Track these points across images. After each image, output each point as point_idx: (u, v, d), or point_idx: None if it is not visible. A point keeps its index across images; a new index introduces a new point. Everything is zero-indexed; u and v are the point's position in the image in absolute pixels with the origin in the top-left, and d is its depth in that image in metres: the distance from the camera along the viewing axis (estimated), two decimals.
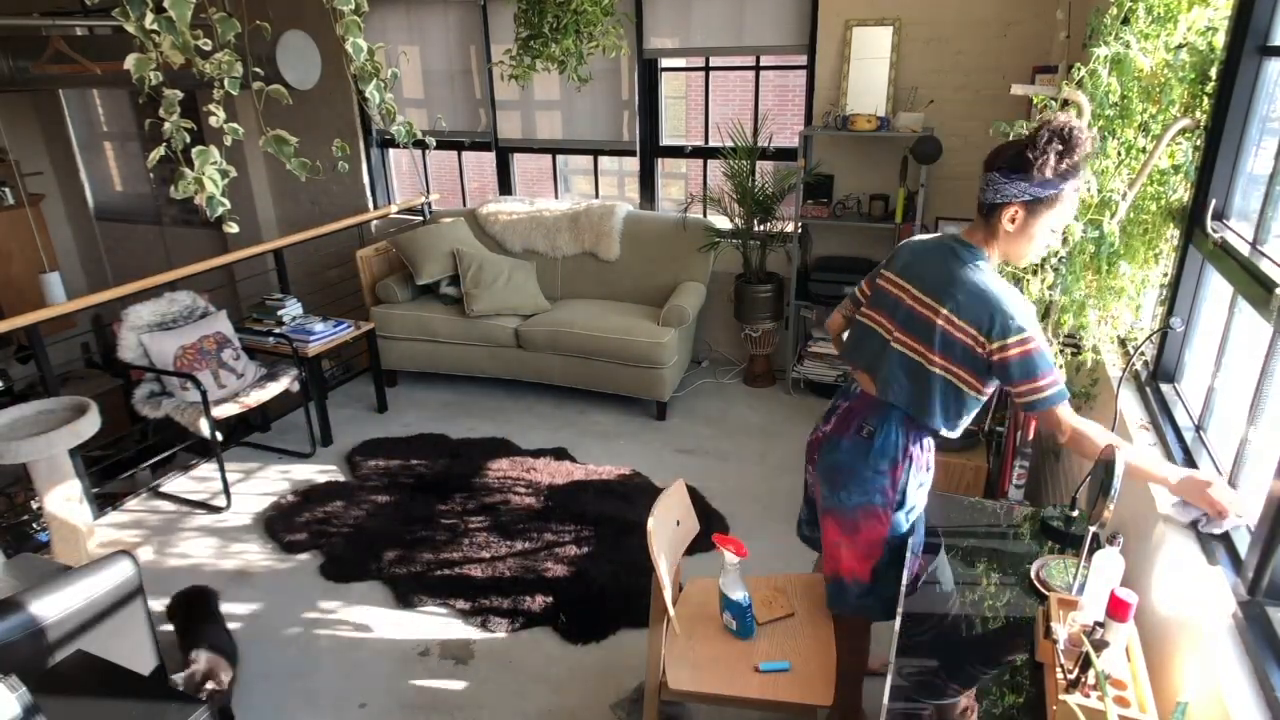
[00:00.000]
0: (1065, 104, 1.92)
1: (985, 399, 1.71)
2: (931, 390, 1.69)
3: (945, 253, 1.70)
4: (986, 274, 1.63)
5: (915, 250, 1.78)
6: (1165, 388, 2.02)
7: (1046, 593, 1.58)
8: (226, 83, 1.71)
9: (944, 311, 1.63)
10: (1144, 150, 1.95)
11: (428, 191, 5.17)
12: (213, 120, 1.72)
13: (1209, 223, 1.78)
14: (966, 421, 1.75)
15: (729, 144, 4.15)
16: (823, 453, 1.86)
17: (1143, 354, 2.12)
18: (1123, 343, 2.28)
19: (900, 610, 1.55)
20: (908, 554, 1.75)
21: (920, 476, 1.81)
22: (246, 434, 4.05)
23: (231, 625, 2.69)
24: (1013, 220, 1.61)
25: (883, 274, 1.83)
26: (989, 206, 1.63)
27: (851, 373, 1.89)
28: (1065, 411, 1.59)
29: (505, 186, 5.15)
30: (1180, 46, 1.86)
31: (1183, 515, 1.49)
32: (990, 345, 1.59)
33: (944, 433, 1.74)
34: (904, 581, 1.65)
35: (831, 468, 1.82)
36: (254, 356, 3.76)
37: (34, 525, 3.73)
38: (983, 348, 1.60)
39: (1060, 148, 1.53)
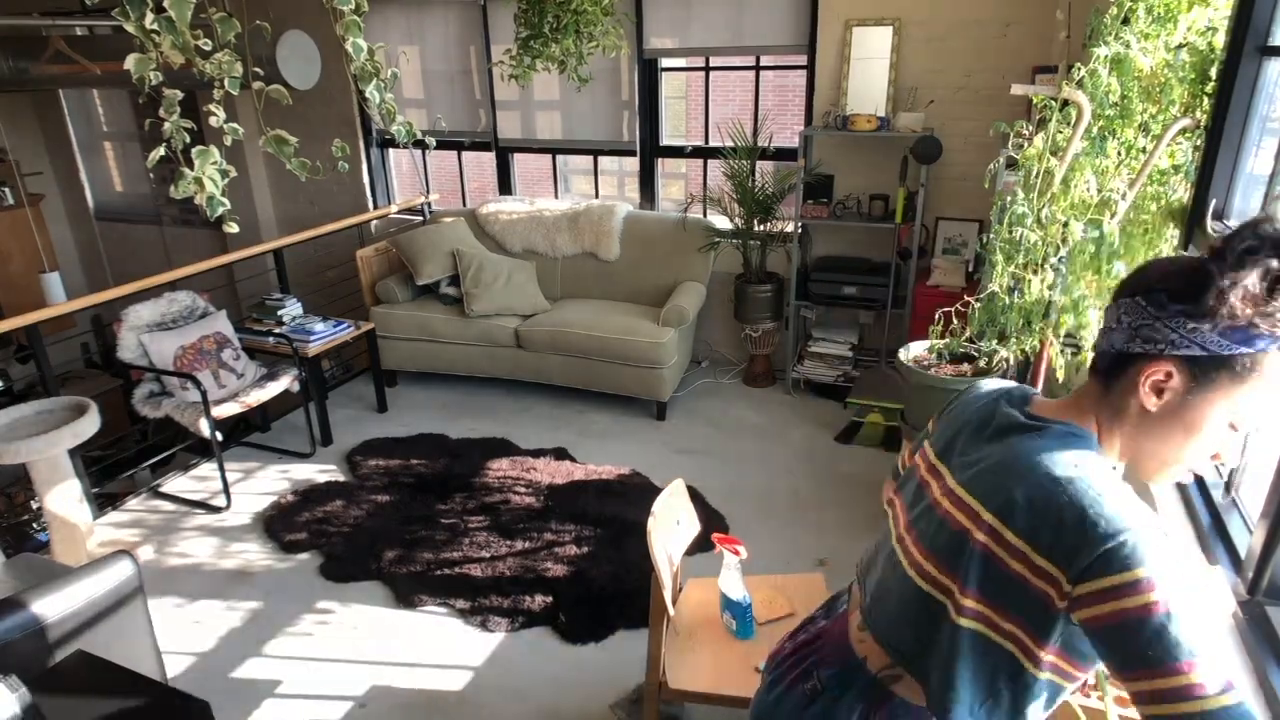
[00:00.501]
0: (1065, 104, 1.92)
1: (1067, 683, 0.91)
2: (952, 653, 0.91)
3: (1009, 422, 0.95)
4: (1084, 462, 0.86)
5: (969, 410, 1.03)
6: None
7: None
8: (226, 83, 1.71)
9: (986, 518, 0.88)
10: (1144, 150, 1.95)
11: (428, 191, 5.17)
12: (213, 120, 1.72)
13: (1209, 223, 1.78)
14: None
15: (729, 144, 4.15)
16: (759, 696, 1.18)
17: None
18: None
19: None
20: None
21: None
22: (246, 434, 4.05)
23: (232, 625, 2.70)
24: (1159, 389, 0.85)
25: (925, 442, 1.08)
26: (1115, 358, 0.88)
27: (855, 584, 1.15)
28: None
29: (505, 186, 5.15)
30: (1180, 46, 1.86)
31: None
32: (1073, 588, 0.80)
33: None
34: None
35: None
36: (254, 356, 3.76)
37: (34, 525, 3.73)
38: (1056, 587, 0.82)
39: (1276, 263, 0.79)
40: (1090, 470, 0.85)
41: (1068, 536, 0.81)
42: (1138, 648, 0.77)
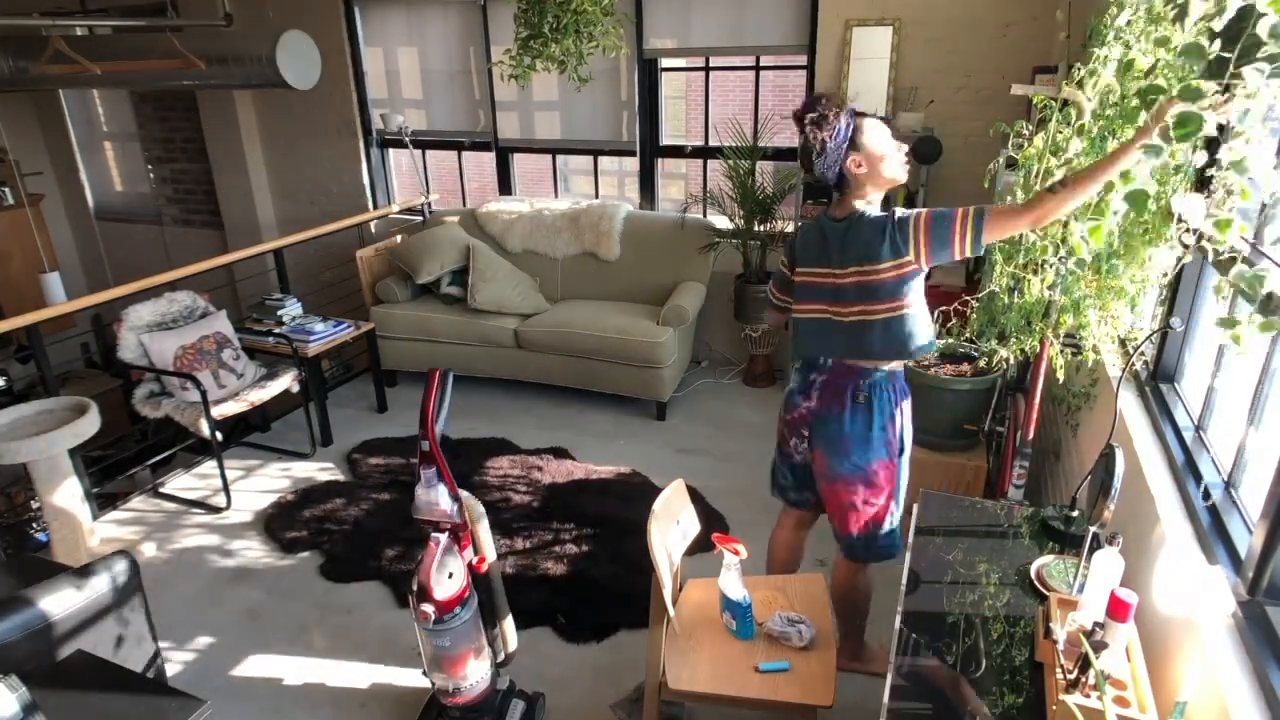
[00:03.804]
0: (1065, 104, 1.92)
1: (925, 271, 1.92)
2: (899, 324, 1.91)
3: (832, 230, 1.96)
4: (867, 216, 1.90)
5: (810, 240, 2.03)
6: (1165, 388, 2.02)
7: (1046, 593, 1.58)
8: None
9: (866, 267, 1.87)
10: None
11: (428, 192, 5.18)
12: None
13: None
14: (929, 321, 1.97)
15: (729, 144, 4.15)
16: (818, 427, 2.02)
17: (1143, 354, 2.12)
18: (1123, 343, 2.28)
19: (900, 609, 1.56)
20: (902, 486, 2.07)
21: (908, 420, 2.03)
22: (246, 434, 4.05)
23: (232, 624, 2.70)
24: (856, 163, 1.87)
25: (798, 271, 2.06)
26: (834, 178, 1.91)
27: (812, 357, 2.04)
28: (1004, 210, 1.74)
29: (505, 186, 5.15)
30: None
31: None
32: (905, 253, 1.84)
33: (924, 346, 1.94)
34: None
35: (836, 439, 1.99)
36: (254, 356, 3.76)
37: (34, 525, 3.73)
38: (900, 257, 1.85)
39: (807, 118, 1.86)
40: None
41: (887, 234, 1.86)
42: (937, 228, 1.85)
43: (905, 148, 1.91)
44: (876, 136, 1.86)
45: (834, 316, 1.96)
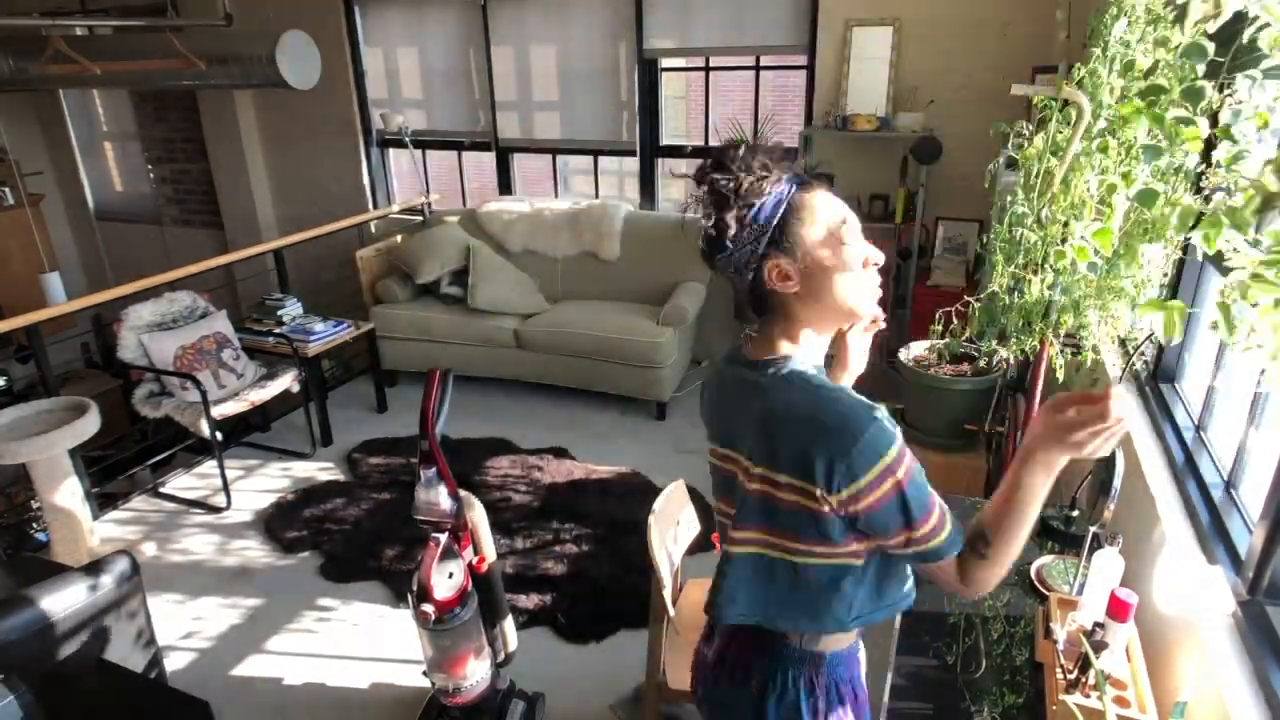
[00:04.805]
0: (1065, 104, 1.92)
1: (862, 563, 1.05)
2: (785, 586, 1.07)
3: (737, 382, 1.08)
4: (799, 384, 1.01)
5: (713, 393, 1.15)
6: (1165, 387, 2.02)
7: (1046, 593, 1.58)
8: None
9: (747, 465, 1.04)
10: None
11: (428, 192, 5.17)
12: None
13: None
14: (859, 609, 1.08)
15: None
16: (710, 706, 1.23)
17: (1143, 354, 2.12)
18: (1123, 342, 2.28)
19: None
20: None
21: None
22: (246, 434, 4.05)
23: (232, 623, 2.70)
24: (784, 274, 1.03)
25: (710, 450, 1.16)
26: (749, 292, 1.07)
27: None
28: (953, 564, 1.02)
29: (505, 186, 5.15)
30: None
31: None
32: (831, 496, 0.96)
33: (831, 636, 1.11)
34: None
35: None
36: (254, 356, 3.76)
37: (34, 525, 3.73)
38: (818, 501, 0.97)
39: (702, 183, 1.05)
40: (817, 393, 0.99)
41: (826, 457, 0.94)
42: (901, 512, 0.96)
43: (879, 260, 1.11)
44: (821, 231, 1.04)
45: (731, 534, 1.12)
